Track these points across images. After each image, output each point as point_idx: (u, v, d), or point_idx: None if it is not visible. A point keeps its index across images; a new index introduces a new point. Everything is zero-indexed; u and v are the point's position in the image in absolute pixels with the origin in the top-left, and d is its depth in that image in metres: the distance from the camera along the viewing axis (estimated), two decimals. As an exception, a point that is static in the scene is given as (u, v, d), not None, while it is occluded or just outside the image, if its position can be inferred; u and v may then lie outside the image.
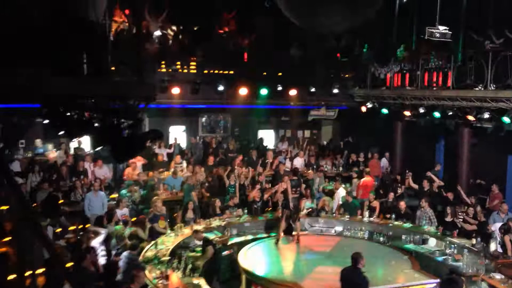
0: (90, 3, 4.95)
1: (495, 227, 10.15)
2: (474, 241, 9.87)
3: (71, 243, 9.63)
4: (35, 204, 10.79)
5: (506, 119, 10.81)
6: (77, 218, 11.36)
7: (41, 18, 4.84)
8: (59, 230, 9.93)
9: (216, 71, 15.36)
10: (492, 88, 11.01)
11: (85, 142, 14.16)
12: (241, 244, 10.47)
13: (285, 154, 16.33)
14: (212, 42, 15.35)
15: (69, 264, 7.87)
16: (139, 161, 13.63)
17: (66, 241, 9.66)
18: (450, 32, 10.25)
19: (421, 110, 13.07)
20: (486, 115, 11.32)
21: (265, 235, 11.26)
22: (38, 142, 13.65)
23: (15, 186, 4.34)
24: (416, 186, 12.88)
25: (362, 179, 13.44)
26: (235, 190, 12.57)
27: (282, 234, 10.72)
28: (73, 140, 13.43)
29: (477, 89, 11.41)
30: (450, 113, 12.33)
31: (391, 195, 12.40)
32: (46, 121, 6.37)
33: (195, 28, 15.10)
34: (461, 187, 12.65)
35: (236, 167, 13.71)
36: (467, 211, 10.99)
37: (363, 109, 15.24)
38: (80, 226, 10.67)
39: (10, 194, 5.60)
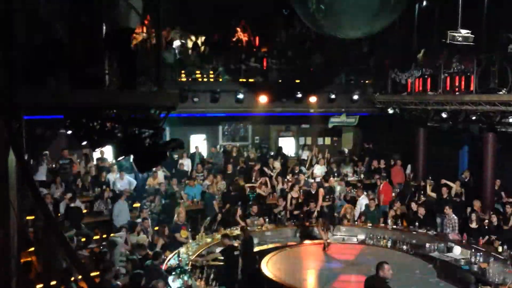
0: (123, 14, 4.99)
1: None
2: (500, 249, 9.65)
3: (94, 253, 9.71)
4: (59, 215, 10.93)
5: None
6: (100, 228, 11.48)
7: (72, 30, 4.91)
8: (83, 240, 10.04)
9: (236, 79, 15.42)
10: (517, 91, 10.79)
11: (108, 153, 14.32)
12: (263, 253, 10.42)
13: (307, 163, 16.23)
14: (231, 50, 15.46)
15: (93, 274, 7.94)
16: (159, 170, 13.73)
17: (89, 251, 9.75)
18: (473, 36, 10.09)
19: (444, 115, 12.88)
20: (511, 120, 11.10)
21: (287, 243, 11.20)
22: (66, 153, 13.84)
23: (39, 197, 4.40)
24: (434, 195, 12.66)
25: (381, 185, 13.33)
26: (255, 198, 12.58)
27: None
28: (95, 151, 13.59)
29: (500, 93, 11.20)
30: (474, 118, 12.11)
31: (413, 204, 12.18)
32: (69, 132, 6.45)
33: (215, 38, 15.26)
34: (486, 194, 12.43)
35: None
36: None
37: (385, 115, 15.08)
38: (104, 236, 10.77)
39: (35, 205, 5.68)
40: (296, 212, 12.37)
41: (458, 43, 10.06)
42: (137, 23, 5.03)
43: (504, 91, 11.10)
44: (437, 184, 12.88)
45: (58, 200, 11.65)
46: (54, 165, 13.40)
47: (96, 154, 14.60)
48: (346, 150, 18.67)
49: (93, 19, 4.68)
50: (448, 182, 12.51)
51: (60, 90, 4.76)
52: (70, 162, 13.57)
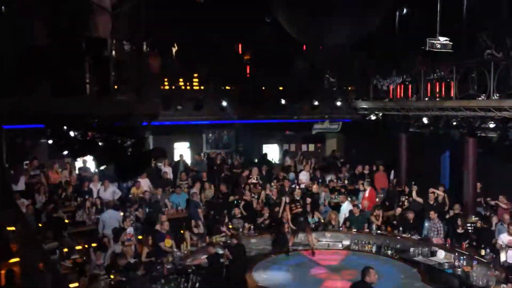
0: (95, 21, 4.97)
1: (501, 238, 9.92)
2: (483, 252, 9.75)
3: (77, 263, 9.57)
4: (41, 225, 10.77)
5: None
6: (83, 238, 11.33)
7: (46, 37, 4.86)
8: (65, 250, 9.90)
9: (219, 87, 15.40)
10: (496, 97, 10.96)
11: (90, 162, 14.17)
12: (249, 260, 10.38)
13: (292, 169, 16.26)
14: (215, 58, 15.45)
15: (73, 285, 7.84)
16: (143, 179, 13.60)
17: (72, 262, 9.60)
18: (451, 43, 10.26)
19: (425, 121, 13.03)
20: (491, 125, 11.26)
21: (272, 251, 11.18)
22: (35, 162, 13.68)
23: (17, 208, 4.33)
24: (420, 200, 12.75)
25: (366, 191, 13.39)
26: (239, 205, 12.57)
27: (291, 248, 10.70)
28: (77, 160, 13.44)
29: (480, 98, 11.37)
30: (454, 123, 12.27)
31: (398, 209, 12.29)
32: (50, 142, 6.38)
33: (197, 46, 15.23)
34: (468, 198, 12.56)
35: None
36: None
37: (367, 121, 15.20)
38: (86, 246, 10.61)
39: (15, 216, 5.59)
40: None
41: (437, 50, 10.20)
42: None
43: (483, 97, 11.28)
44: (421, 190, 12.99)
45: (40, 210, 11.48)
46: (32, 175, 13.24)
47: (79, 164, 14.43)
48: (327, 156, 18.77)
49: (72, 26, 4.65)
50: (436, 191, 12.59)
51: (40, 98, 4.71)
52: (40, 173, 13.41)
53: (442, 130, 12.73)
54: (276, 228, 11.86)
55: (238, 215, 12.05)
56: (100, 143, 5.37)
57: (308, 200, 12.84)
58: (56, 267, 8.38)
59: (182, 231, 11.50)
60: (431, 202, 12.22)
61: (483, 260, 9.55)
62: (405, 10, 14.76)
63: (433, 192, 12.41)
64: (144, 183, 13.48)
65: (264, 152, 17.91)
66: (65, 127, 5.65)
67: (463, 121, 12.06)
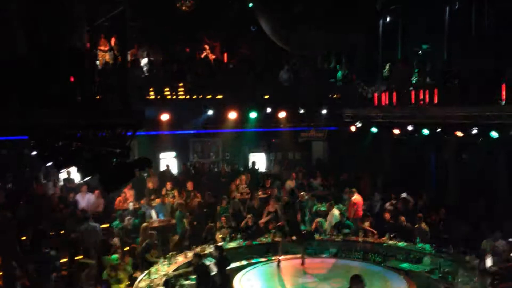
0: (77, 32, 4.95)
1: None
2: (468, 258, 9.83)
3: (63, 276, 9.46)
4: (24, 238, 10.61)
5: (494, 134, 10.88)
6: (68, 250, 11.18)
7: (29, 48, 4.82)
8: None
9: (207, 96, 15.36)
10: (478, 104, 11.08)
11: (75, 173, 14.01)
12: (236, 270, 10.33)
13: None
14: (200, 67, 15.45)
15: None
16: (128, 189, 13.50)
17: (57, 275, 9.48)
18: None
19: (410, 128, 13.15)
20: (474, 131, 11.40)
21: (260, 259, 11.13)
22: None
23: None
24: (390, 207, 12.91)
25: (352, 198, 13.45)
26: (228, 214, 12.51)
27: (281, 256, 10.66)
28: (61, 171, 13.29)
29: (463, 106, 11.50)
30: (438, 130, 12.40)
31: (387, 215, 12.38)
32: (34, 153, 6.31)
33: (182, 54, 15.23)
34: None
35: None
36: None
37: (353, 128, 15.29)
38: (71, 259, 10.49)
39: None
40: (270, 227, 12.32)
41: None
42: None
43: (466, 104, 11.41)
44: (398, 197, 13.13)
45: (25, 223, 11.29)
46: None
47: (63, 175, 14.28)
48: (314, 164, 18.83)
49: (55, 37, 4.62)
50: (407, 197, 12.72)
51: (23, 109, 4.65)
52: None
53: (427, 136, 12.88)
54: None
55: (225, 225, 12.00)
56: (84, 154, 5.31)
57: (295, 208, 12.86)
58: (41, 281, 8.29)
59: (168, 241, 11.43)
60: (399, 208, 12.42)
61: (468, 265, 9.61)
62: (388, 18, 14.94)
63: (404, 198, 12.57)
64: (130, 193, 13.38)
65: (251, 160, 17.89)
66: (49, 139, 5.59)
67: (447, 128, 12.20)
